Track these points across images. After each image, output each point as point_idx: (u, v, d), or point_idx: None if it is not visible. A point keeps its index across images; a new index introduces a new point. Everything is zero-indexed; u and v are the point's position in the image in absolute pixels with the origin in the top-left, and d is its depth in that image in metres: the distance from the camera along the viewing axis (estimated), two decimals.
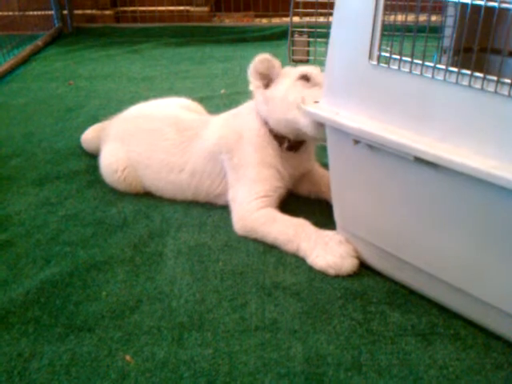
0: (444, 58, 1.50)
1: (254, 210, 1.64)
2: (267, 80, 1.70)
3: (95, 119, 2.46)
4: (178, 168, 1.82)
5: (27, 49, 3.70)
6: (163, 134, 1.85)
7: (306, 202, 1.85)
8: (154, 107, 2.02)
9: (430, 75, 1.12)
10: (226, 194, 1.77)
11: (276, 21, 4.57)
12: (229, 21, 4.59)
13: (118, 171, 1.90)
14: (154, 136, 1.87)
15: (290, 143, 1.71)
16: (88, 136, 2.25)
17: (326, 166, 1.92)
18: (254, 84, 1.70)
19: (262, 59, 1.67)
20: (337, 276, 1.45)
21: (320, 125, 1.46)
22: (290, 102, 1.60)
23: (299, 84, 1.62)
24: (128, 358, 1.22)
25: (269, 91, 1.68)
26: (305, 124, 1.55)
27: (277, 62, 1.69)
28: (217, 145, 1.75)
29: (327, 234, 1.53)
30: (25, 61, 3.61)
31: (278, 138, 1.70)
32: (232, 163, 1.72)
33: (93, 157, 2.15)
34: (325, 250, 1.48)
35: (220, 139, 1.75)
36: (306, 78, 1.63)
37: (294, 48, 2.10)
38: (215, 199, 1.82)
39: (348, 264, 1.46)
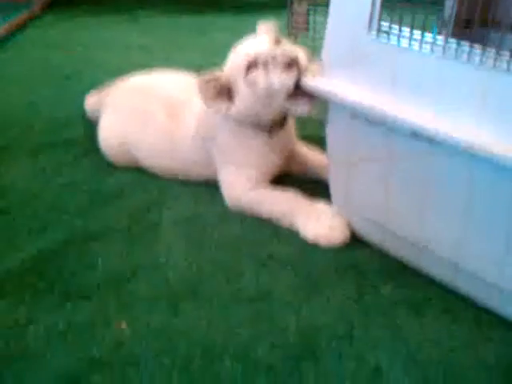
0: (444, 31, 1.49)
1: (244, 193, 1.62)
2: (226, 93, 1.56)
3: (93, 87, 2.43)
4: (168, 155, 1.78)
5: (23, 15, 3.65)
6: (155, 117, 1.79)
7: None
8: (157, 82, 1.94)
9: (429, 48, 1.12)
10: (216, 176, 1.72)
11: None
12: None
13: (114, 147, 1.89)
14: (146, 118, 1.81)
15: (274, 126, 1.62)
16: (91, 101, 2.24)
17: (313, 138, 1.93)
18: (219, 108, 1.55)
19: (205, 82, 1.52)
20: (331, 248, 1.46)
21: (314, 103, 1.42)
22: (275, 90, 1.45)
23: (255, 76, 1.47)
24: (124, 325, 1.23)
25: (235, 100, 1.55)
26: (297, 108, 1.47)
27: (216, 73, 1.55)
28: (197, 135, 1.70)
29: (320, 207, 1.53)
30: (21, 27, 3.56)
31: (261, 127, 1.61)
32: (217, 148, 1.67)
33: (90, 126, 2.15)
34: (317, 223, 1.49)
35: (198, 130, 1.69)
36: (253, 65, 1.48)
37: (294, 18, 2.07)
38: (208, 178, 1.77)
39: (338, 235, 1.47)
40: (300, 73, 1.41)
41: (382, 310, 1.27)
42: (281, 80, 1.42)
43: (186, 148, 1.74)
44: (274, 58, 1.44)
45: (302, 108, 1.46)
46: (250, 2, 4.10)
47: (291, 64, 1.41)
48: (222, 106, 1.55)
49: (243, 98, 1.53)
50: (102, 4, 4.11)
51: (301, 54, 1.45)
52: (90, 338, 1.20)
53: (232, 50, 1.61)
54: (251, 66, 1.49)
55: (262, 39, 1.55)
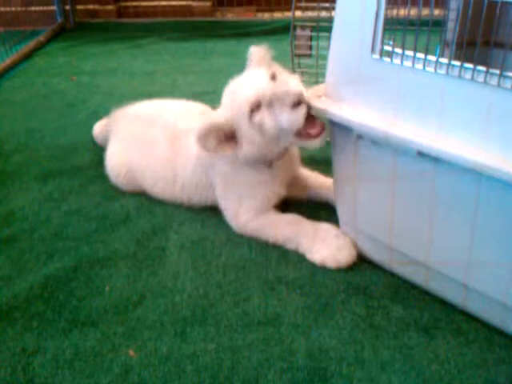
0: (447, 52, 1.50)
1: (248, 221, 1.61)
2: (229, 138, 1.51)
3: (97, 115, 2.46)
4: (171, 181, 1.78)
5: (30, 44, 3.70)
6: (159, 145, 1.80)
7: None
8: (160, 110, 1.94)
9: (432, 69, 1.12)
10: (217, 203, 1.71)
11: (278, 15, 4.55)
12: (231, 15, 4.58)
13: (120, 175, 1.89)
14: (150, 147, 1.82)
15: (277, 157, 1.59)
16: (98, 129, 2.26)
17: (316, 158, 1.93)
18: (223, 151, 1.51)
19: (205, 132, 1.46)
20: (338, 270, 1.45)
21: (323, 134, 1.43)
22: (286, 129, 1.43)
23: (262, 118, 1.44)
24: (131, 352, 1.22)
25: (242, 143, 1.51)
26: (309, 144, 1.46)
27: (217, 120, 1.50)
28: (198, 162, 1.69)
29: (323, 228, 1.53)
30: (27, 56, 3.60)
31: (263, 162, 1.58)
32: (218, 177, 1.66)
33: (95, 152, 2.16)
34: (322, 245, 1.49)
35: (199, 158, 1.68)
36: (257, 106, 1.44)
37: (297, 43, 2.10)
38: (212, 204, 1.75)
39: (346, 255, 1.46)
40: (308, 106, 1.39)
41: (393, 332, 1.26)
42: (291, 119, 1.40)
43: (187, 175, 1.74)
44: (279, 98, 1.40)
45: (311, 143, 1.45)
46: (251, 29, 4.15)
47: (298, 101, 1.38)
48: (227, 150, 1.51)
49: (250, 141, 1.49)
50: (107, 32, 4.16)
51: (299, 84, 1.42)
52: (98, 366, 1.19)
53: (228, 88, 1.56)
54: (254, 108, 1.44)
55: (257, 76, 1.49)
